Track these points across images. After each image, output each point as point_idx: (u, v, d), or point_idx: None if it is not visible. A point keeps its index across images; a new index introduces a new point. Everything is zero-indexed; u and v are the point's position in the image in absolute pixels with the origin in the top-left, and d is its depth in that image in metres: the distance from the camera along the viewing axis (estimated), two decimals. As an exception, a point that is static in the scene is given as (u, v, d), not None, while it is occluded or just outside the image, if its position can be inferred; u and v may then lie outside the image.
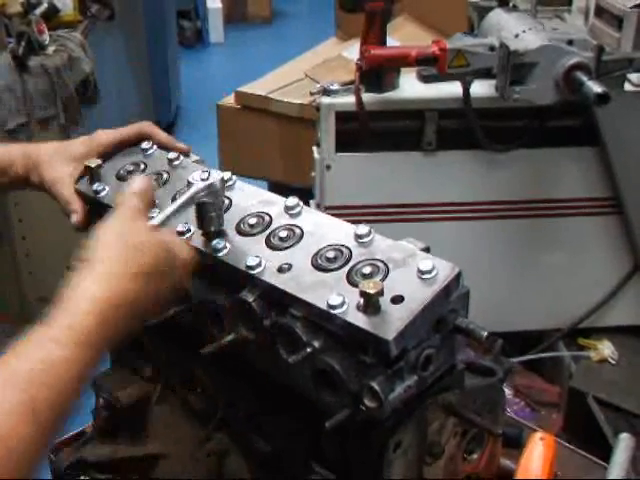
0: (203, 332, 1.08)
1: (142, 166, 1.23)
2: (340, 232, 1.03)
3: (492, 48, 1.98)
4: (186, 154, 1.27)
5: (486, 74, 2.00)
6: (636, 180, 2.19)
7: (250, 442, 1.12)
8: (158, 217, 1.03)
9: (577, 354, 2.32)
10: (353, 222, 1.05)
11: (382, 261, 0.96)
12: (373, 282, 0.90)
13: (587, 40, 2.00)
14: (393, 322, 0.89)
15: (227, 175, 1.14)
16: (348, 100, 2.07)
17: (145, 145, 1.26)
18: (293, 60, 3.56)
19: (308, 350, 0.93)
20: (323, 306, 0.92)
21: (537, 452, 1.24)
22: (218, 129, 3.32)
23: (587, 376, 2.23)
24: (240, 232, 1.07)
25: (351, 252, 0.99)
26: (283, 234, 1.04)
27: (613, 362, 2.28)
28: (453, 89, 2.05)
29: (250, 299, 0.98)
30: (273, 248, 1.03)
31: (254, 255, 1.00)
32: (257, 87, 3.20)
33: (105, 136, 1.29)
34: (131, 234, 0.96)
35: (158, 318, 1.07)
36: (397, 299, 0.91)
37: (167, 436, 1.24)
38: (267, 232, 1.06)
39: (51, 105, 3.10)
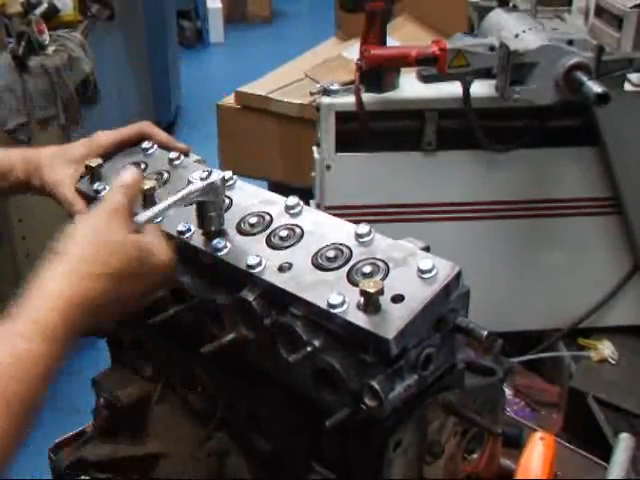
0: (203, 331, 1.08)
1: (143, 166, 1.24)
2: (340, 231, 1.03)
3: (492, 48, 1.98)
4: (186, 154, 1.27)
5: (486, 74, 2.00)
6: (636, 180, 2.19)
7: (250, 441, 1.12)
8: (144, 214, 1.03)
9: (577, 354, 2.32)
10: (353, 222, 1.06)
11: (382, 260, 0.97)
12: (373, 281, 0.90)
13: (587, 40, 2.00)
14: (393, 321, 0.89)
15: (228, 175, 1.14)
16: (348, 100, 2.07)
17: (146, 145, 1.27)
18: (293, 60, 3.56)
19: (308, 349, 0.93)
20: (323, 305, 0.92)
21: (537, 452, 1.25)
22: (218, 129, 3.33)
23: (587, 376, 2.23)
24: (240, 231, 1.07)
25: (351, 251, 0.99)
26: (283, 233, 1.04)
27: (613, 362, 2.28)
28: (453, 89, 2.05)
29: (250, 298, 0.98)
30: (273, 247, 1.03)
31: (254, 254, 1.01)
32: (257, 87, 3.20)
33: (105, 137, 1.29)
34: (105, 233, 0.96)
35: (134, 312, 1.06)
36: (397, 298, 0.91)
37: (167, 435, 1.24)
38: (267, 231, 1.06)
39: (51, 105, 3.10)
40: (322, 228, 1.05)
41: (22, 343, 0.85)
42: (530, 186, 2.23)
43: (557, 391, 2.35)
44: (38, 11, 3.17)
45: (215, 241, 1.05)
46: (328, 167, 2.14)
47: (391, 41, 2.19)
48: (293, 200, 1.09)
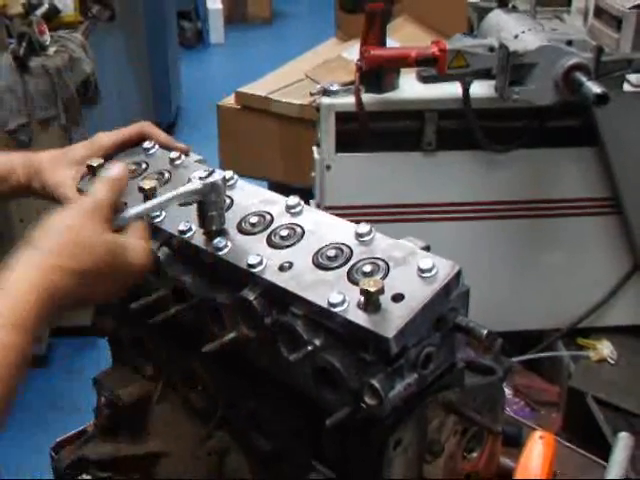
0: (204, 331, 1.08)
1: (144, 165, 1.24)
2: (341, 231, 1.04)
3: (492, 49, 1.98)
4: (186, 154, 1.27)
5: (486, 75, 2.00)
6: (635, 180, 2.19)
7: (251, 440, 1.12)
8: (127, 213, 1.03)
9: (576, 354, 2.32)
10: (353, 222, 1.06)
11: (383, 259, 0.97)
12: (374, 280, 0.91)
13: (586, 41, 2.01)
14: (393, 320, 0.89)
15: (228, 174, 1.14)
16: (348, 100, 2.07)
17: (147, 145, 1.27)
18: (293, 61, 3.57)
19: (309, 348, 0.93)
20: (324, 304, 0.93)
21: (537, 450, 1.25)
22: (218, 129, 3.33)
23: (586, 376, 2.24)
24: (241, 231, 1.07)
25: (352, 251, 1.00)
26: (284, 233, 1.05)
27: (612, 362, 2.28)
28: (453, 90, 2.06)
29: (251, 297, 0.98)
30: (274, 247, 1.03)
31: (255, 254, 1.01)
32: (257, 87, 3.21)
33: (106, 138, 1.29)
34: (78, 229, 0.96)
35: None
36: (397, 297, 0.91)
37: (168, 434, 1.24)
38: (268, 231, 1.06)
39: (52, 106, 3.11)
40: (322, 227, 1.05)
41: None
42: (530, 186, 2.23)
43: (556, 391, 2.36)
44: (39, 12, 3.18)
45: (216, 240, 1.05)
46: (328, 167, 2.14)
47: (391, 42, 2.19)
48: (294, 200, 1.09)
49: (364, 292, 0.90)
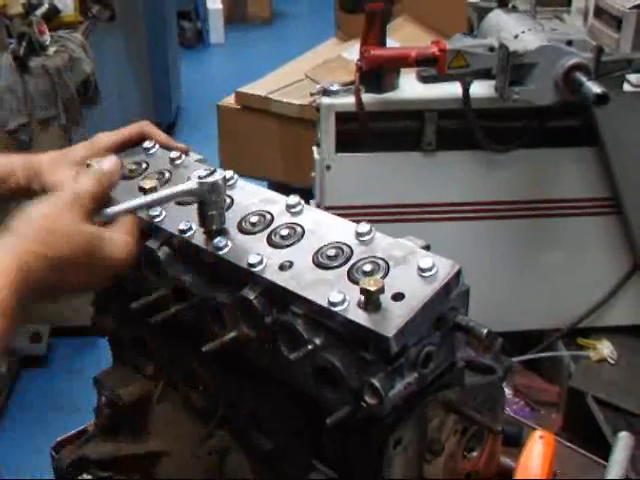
0: (204, 330, 1.08)
1: (144, 165, 1.24)
2: (341, 230, 1.04)
3: (492, 49, 1.99)
4: (185, 154, 1.27)
5: (486, 75, 2.01)
6: (635, 180, 2.19)
7: (251, 440, 1.12)
8: (112, 208, 1.03)
9: (576, 354, 2.33)
10: (353, 222, 1.06)
11: (383, 259, 0.97)
12: (374, 279, 0.91)
13: (586, 41, 2.01)
14: (393, 319, 0.89)
15: (229, 174, 1.14)
16: (348, 101, 2.07)
17: (147, 144, 1.27)
18: (293, 61, 3.57)
19: (309, 347, 0.93)
20: (324, 303, 0.93)
21: (537, 450, 1.25)
22: (218, 129, 3.33)
23: (586, 376, 2.24)
24: (242, 230, 1.07)
25: (352, 250, 1.00)
26: (284, 232, 1.05)
27: (612, 362, 2.28)
28: (453, 90, 2.06)
29: (251, 297, 0.98)
30: (274, 246, 1.04)
31: (255, 253, 1.01)
32: (257, 87, 3.21)
33: (106, 138, 1.29)
34: (57, 218, 0.96)
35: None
36: (397, 296, 0.92)
37: (169, 434, 1.25)
38: (268, 230, 1.06)
39: (52, 105, 3.11)
40: (323, 227, 1.05)
41: None
42: (530, 186, 2.23)
43: (556, 391, 2.36)
44: (39, 12, 3.18)
45: (216, 240, 1.05)
46: (328, 167, 2.15)
47: (391, 42, 2.19)
48: (294, 199, 1.09)
49: (364, 291, 0.90)
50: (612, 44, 2.17)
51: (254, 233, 1.07)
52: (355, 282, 0.94)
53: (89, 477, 1.26)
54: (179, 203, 1.13)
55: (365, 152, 2.15)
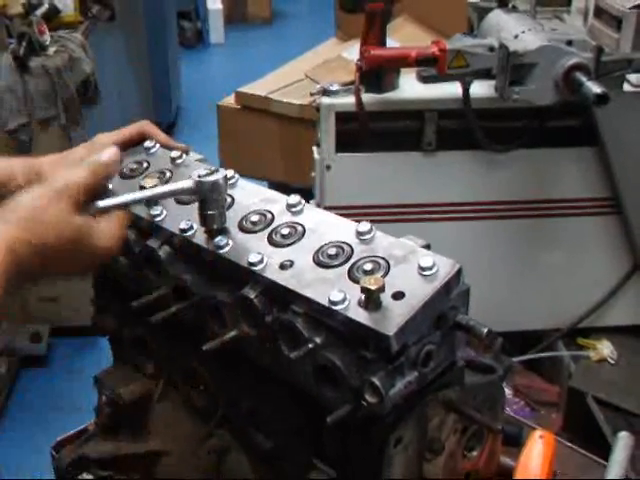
0: (205, 329, 1.08)
1: (145, 165, 1.24)
2: (341, 229, 1.04)
3: (492, 49, 1.99)
4: (185, 153, 1.27)
5: (486, 75, 2.01)
6: (635, 180, 2.19)
7: (252, 439, 1.12)
8: (103, 202, 1.04)
9: (576, 354, 2.33)
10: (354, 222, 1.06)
11: (383, 258, 0.97)
12: (374, 278, 0.91)
13: (586, 41, 2.01)
14: (394, 318, 0.89)
15: (230, 173, 1.15)
16: (348, 100, 2.07)
17: (148, 144, 1.27)
18: (293, 60, 3.57)
19: (309, 346, 0.94)
20: (324, 302, 0.93)
21: (537, 450, 1.25)
22: (218, 129, 3.34)
23: (586, 376, 2.24)
24: (242, 229, 1.08)
25: (352, 249, 1.00)
26: (285, 231, 1.05)
27: (612, 362, 2.28)
28: (453, 89, 2.06)
29: (252, 295, 0.99)
30: (275, 245, 1.04)
31: (256, 252, 1.01)
32: (257, 87, 3.21)
33: (106, 139, 1.28)
34: (46, 207, 0.98)
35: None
36: (398, 295, 0.92)
37: (169, 433, 1.25)
38: (269, 229, 1.06)
39: (52, 105, 3.11)
40: (323, 226, 1.05)
41: None
42: (530, 186, 2.23)
43: (556, 391, 2.36)
44: (39, 12, 3.17)
45: (217, 239, 1.05)
46: (328, 167, 2.15)
47: (391, 42, 2.20)
48: (295, 198, 1.10)
49: (365, 290, 0.90)
50: (612, 44, 2.17)
51: (255, 232, 1.07)
52: (356, 281, 0.94)
53: (89, 476, 1.26)
54: (180, 202, 1.14)
55: (365, 152, 2.15)
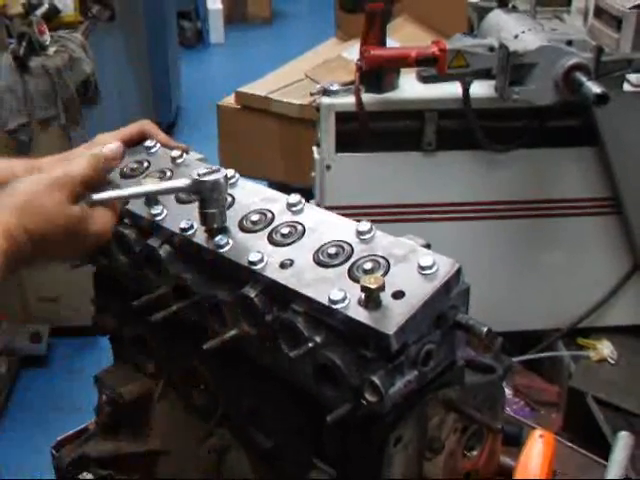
0: (205, 328, 1.08)
1: (146, 164, 1.24)
2: (341, 229, 1.04)
3: (492, 49, 1.99)
4: (185, 153, 1.27)
5: (486, 75, 2.01)
6: (635, 180, 2.20)
7: (252, 438, 1.12)
8: (99, 195, 1.05)
9: (576, 354, 2.33)
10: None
11: (383, 257, 0.97)
12: (374, 277, 0.91)
13: (586, 41, 2.01)
14: (394, 317, 0.89)
15: (230, 173, 1.15)
16: (348, 100, 2.07)
17: (149, 143, 1.27)
18: (293, 60, 3.58)
19: (309, 345, 0.94)
20: (324, 301, 0.93)
21: (536, 449, 1.25)
22: (218, 129, 3.34)
23: (586, 376, 2.24)
24: (243, 229, 1.08)
25: (352, 248, 1.00)
26: (285, 231, 1.05)
27: (612, 362, 2.28)
28: (453, 89, 2.06)
29: (252, 295, 0.99)
30: (275, 244, 1.04)
31: (256, 251, 1.01)
32: (257, 87, 3.22)
33: (107, 138, 1.28)
34: (43, 196, 0.99)
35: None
36: (398, 294, 0.92)
37: (169, 432, 1.25)
38: (269, 229, 1.06)
39: (52, 105, 3.11)
40: (323, 225, 1.05)
41: None
42: (530, 186, 2.23)
43: (556, 391, 2.36)
44: (39, 12, 3.17)
45: (217, 238, 1.05)
46: (328, 167, 2.15)
47: (391, 42, 2.20)
48: (295, 197, 1.10)
49: (365, 289, 0.90)
50: (612, 44, 2.17)
51: (255, 231, 1.07)
52: (356, 280, 0.95)
53: (89, 476, 1.26)
54: (180, 201, 1.14)
55: (365, 152, 2.16)
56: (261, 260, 1.00)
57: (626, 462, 1.35)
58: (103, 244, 1.09)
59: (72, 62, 3.19)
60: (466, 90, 2.02)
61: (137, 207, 1.15)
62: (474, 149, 2.16)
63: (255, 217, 1.09)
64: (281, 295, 0.98)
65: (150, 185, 1.11)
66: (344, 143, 2.13)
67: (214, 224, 1.06)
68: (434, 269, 0.94)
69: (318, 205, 2.18)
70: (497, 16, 2.22)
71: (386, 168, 2.18)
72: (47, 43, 3.13)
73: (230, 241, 1.05)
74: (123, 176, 1.22)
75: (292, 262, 1.00)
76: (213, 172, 1.05)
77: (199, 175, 1.04)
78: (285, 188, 2.63)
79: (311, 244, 1.02)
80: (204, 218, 1.06)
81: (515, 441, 1.39)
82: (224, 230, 1.07)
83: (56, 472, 1.34)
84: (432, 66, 1.98)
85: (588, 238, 2.30)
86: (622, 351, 2.31)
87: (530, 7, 2.27)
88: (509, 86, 1.96)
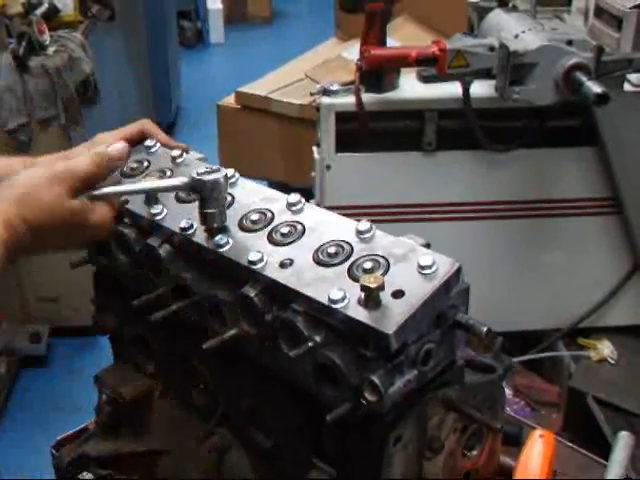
0: (205, 328, 1.08)
1: (146, 164, 1.24)
2: (341, 228, 1.04)
3: (492, 48, 1.99)
4: (185, 152, 1.27)
5: (486, 74, 2.01)
6: (635, 180, 2.20)
7: (251, 437, 1.12)
8: (100, 191, 1.06)
9: (577, 354, 2.33)
10: (353, 221, 1.06)
11: (383, 256, 0.97)
12: (374, 276, 0.91)
13: (587, 40, 2.02)
14: (393, 316, 0.89)
15: (230, 172, 1.15)
16: (348, 100, 2.07)
17: (149, 143, 1.27)
18: (293, 60, 3.58)
19: (309, 344, 0.94)
20: (324, 301, 0.93)
21: (537, 449, 1.25)
22: (218, 129, 3.34)
23: (587, 376, 2.24)
24: (242, 228, 1.08)
25: (352, 248, 1.00)
26: (285, 230, 1.05)
27: (612, 362, 2.28)
28: (453, 89, 2.06)
29: (252, 294, 0.99)
30: (275, 244, 1.04)
31: (256, 251, 1.01)
32: (257, 87, 3.22)
33: (107, 138, 1.28)
34: (42, 189, 1.01)
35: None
36: (398, 294, 0.92)
37: (169, 432, 1.25)
38: (269, 228, 1.06)
39: (51, 105, 3.11)
40: (323, 225, 1.05)
41: None
42: (530, 186, 2.23)
43: (557, 391, 2.36)
44: (39, 11, 3.17)
45: (217, 238, 1.05)
46: (328, 167, 2.15)
47: (391, 41, 2.20)
48: (295, 197, 1.10)
49: (364, 288, 0.90)
50: (612, 44, 2.17)
51: (255, 231, 1.07)
52: (355, 279, 0.94)
53: (89, 475, 1.26)
54: (180, 201, 1.14)
55: (365, 152, 2.16)
56: (261, 259, 1.00)
57: (626, 462, 1.35)
58: (102, 237, 1.10)
59: (72, 62, 3.19)
60: (466, 90, 2.02)
61: (137, 206, 1.15)
62: (474, 149, 2.16)
63: (255, 217, 1.08)
64: (281, 294, 0.98)
65: (149, 182, 1.12)
66: (344, 143, 2.13)
67: (214, 224, 1.06)
68: (434, 268, 0.94)
69: (318, 205, 2.18)
70: (497, 16, 2.22)
71: (386, 168, 2.18)
72: (47, 43, 3.13)
73: (230, 240, 1.05)
74: (123, 175, 1.22)
75: (292, 261, 1.00)
76: (213, 171, 1.05)
77: (199, 174, 1.04)
78: (285, 188, 2.63)
79: (311, 243, 1.02)
80: (204, 218, 1.06)
81: (515, 441, 1.39)
82: (224, 229, 1.07)
83: (56, 472, 1.34)
84: (432, 66, 1.99)
85: (588, 238, 2.30)
86: (622, 351, 2.31)
87: (530, 7, 2.27)
88: (509, 86, 1.96)
